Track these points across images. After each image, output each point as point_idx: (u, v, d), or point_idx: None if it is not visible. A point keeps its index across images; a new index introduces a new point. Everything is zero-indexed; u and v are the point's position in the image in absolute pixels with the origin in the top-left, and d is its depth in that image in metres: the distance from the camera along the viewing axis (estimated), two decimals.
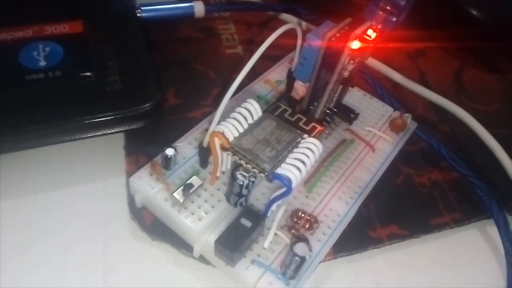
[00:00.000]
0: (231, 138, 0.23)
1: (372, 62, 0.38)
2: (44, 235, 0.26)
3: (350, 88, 0.33)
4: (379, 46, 0.25)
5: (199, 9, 0.36)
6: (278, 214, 0.25)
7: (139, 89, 0.29)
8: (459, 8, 0.40)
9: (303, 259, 0.21)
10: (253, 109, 0.24)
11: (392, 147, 0.30)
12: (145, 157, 0.29)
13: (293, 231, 0.24)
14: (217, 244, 0.21)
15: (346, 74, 0.27)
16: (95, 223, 0.26)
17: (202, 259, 0.25)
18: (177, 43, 0.38)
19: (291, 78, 0.30)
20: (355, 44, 0.24)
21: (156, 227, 0.26)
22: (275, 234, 0.24)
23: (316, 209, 0.26)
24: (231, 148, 0.23)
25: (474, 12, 0.41)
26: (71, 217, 0.27)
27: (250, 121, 0.24)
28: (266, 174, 0.22)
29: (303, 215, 0.25)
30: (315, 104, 0.28)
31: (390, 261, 0.27)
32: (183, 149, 0.27)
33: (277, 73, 0.34)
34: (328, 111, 0.29)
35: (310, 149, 0.23)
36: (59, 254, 0.25)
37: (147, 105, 0.28)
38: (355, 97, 0.33)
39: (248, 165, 0.22)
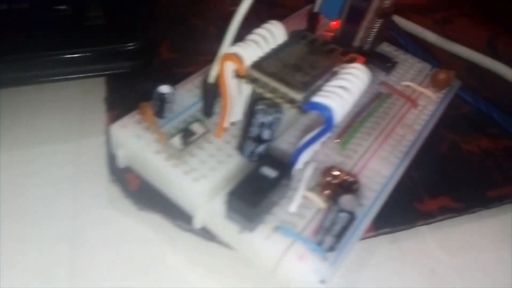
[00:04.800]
0: (248, 63, 0.17)
1: (403, 23, 0.33)
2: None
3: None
4: None
5: None
6: (306, 171, 0.19)
7: (126, 25, 0.23)
8: None
9: (352, 215, 0.15)
10: (277, 31, 0.18)
11: (436, 104, 0.25)
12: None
13: (326, 191, 0.18)
14: (232, 197, 0.15)
15: (387, 2, 0.21)
16: (63, 189, 0.20)
17: (205, 233, 0.19)
18: None
19: (313, 19, 0.24)
20: None
21: (143, 194, 0.20)
22: (304, 196, 0.18)
23: (353, 169, 0.20)
24: (249, 74, 0.17)
25: None
26: (34, 182, 0.20)
27: (273, 46, 0.18)
28: (300, 103, 0.16)
29: (339, 173, 0.19)
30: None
31: (443, 241, 0.21)
32: (181, 97, 0.21)
33: (293, 26, 0.28)
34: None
35: (355, 75, 0.17)
36: (17, 228, 0.19)
37: (134, 42, 0.22)
38: (385, 53, 0.27)
39: (274, 95, 0.16)
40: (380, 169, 0.20)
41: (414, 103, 0.24)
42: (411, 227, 0.21)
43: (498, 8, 0.38)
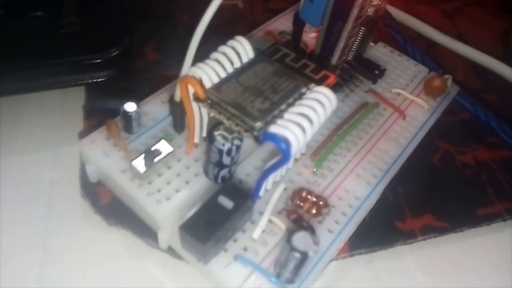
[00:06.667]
0: (209, 85, 0.17)
1: (402, 17, 0.31)
2: None
3: (372, 44, 0.26)
4: None
5: None
6: (274, 194, 0.18)
7: (101, 33, 0.23)
8: None
9: (304, 255, 0.14)
10: (242, 49, 0.17)
11: (428, 114, 0.23)
12: None
13: (294, 217, 0.18)
14: (183, 231, 0.15)
15: (370, 11, 0.20)
16: (37, 201, 0.20)
17: (172, 251, 0.19)
18: None
19: (298, 23, 0.23)
20: None
21: (114, 209, 0.20)
22: (269, 220, 0.18)
23: (326, 190, 0.19)
24: (208, 98, 0.16)
25: None
26: (10, 192, 0.20)
27: (238, 65, 0.17)
28: (255, 133, 0.15)
29: (308, 196, 0.18)
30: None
31: (424, 262, 0.21)
32: (154, 109, 0.21)
33: (282, 24, 0.27)
34: (346, 65, 0.22)
35: (319, 101, 0.16)
36: None
37: (109, 51, 0.22)
38: (380, 55, 0.26)
39: (231, 122, 0.16)
40: (355, 190, 0.19)
41: (402, 114, 0.23)
42: (389, 247, 0.21)
43: None
